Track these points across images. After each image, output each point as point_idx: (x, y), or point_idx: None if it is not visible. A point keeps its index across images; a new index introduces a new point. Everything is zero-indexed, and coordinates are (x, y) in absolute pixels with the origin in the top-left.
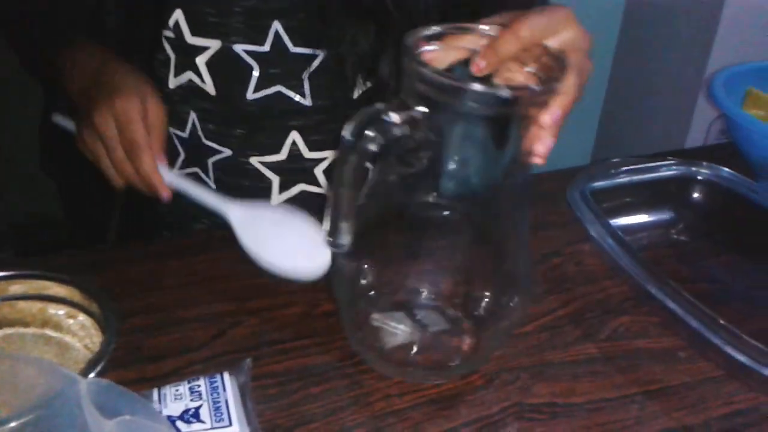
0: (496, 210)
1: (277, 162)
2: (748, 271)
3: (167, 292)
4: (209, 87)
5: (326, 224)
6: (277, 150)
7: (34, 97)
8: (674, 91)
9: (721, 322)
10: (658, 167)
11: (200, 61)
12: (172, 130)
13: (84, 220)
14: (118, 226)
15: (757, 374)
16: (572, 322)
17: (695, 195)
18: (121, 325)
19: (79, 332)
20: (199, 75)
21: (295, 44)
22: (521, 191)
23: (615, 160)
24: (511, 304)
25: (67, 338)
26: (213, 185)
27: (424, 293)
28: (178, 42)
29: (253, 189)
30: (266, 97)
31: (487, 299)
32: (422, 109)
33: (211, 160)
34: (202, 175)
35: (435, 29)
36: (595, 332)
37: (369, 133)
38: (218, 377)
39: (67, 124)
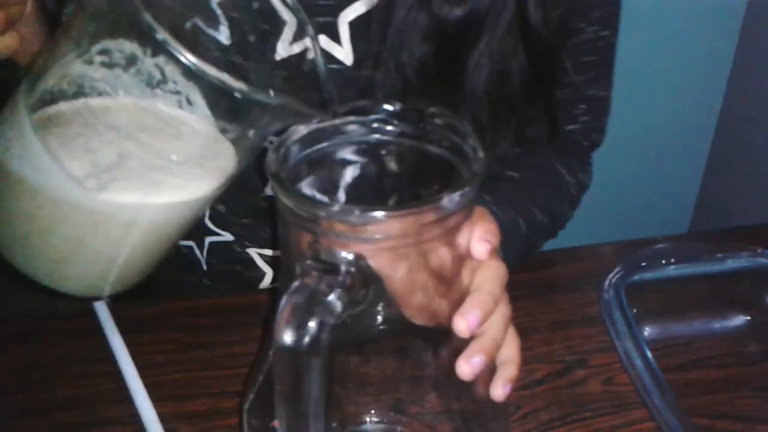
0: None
1: (277, 258)
2: None
3: (87, 383)
4: None
5: None
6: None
7: None
8: None
9: None
10: (723, 258)
11: None
12: None
13: None
14: None
15: None
16: None
17: None
18: None
19: None
20: None
21: None
22: None
23: (664, 245)
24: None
25: None
26: (204, 265)
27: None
28: None
29: (245, 277)
30: None
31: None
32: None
33: (208, 239)
34: (196, 251)
35: (301, 132)
36: None
37: (312, 325)
38: None
39: None
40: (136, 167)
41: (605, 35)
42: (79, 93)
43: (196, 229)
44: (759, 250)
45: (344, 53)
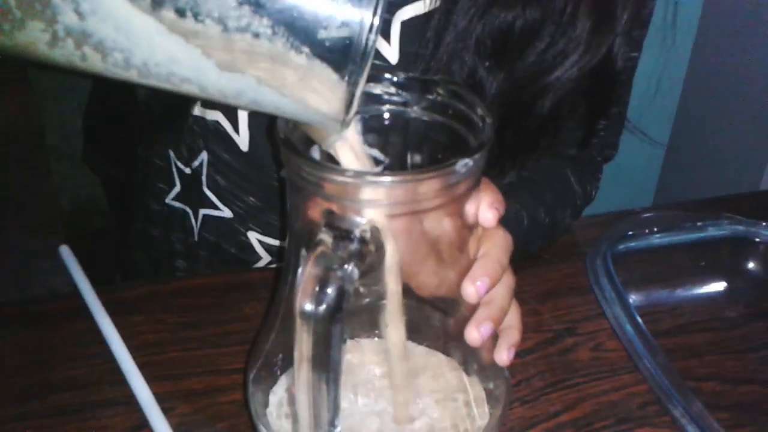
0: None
1: (278, 247)
2: None
3: (81, 364)
4: (242, 141)
5: (308, 421)
6: (284, 236)
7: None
8: (753, 117)
9: None
10: (704, 226)
11: (243, 111)
12: (173, 156)
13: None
14: None
15: None
16: None
17: (752, 264)
18: None
19: None
20: (235, 124)
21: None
22: None
23: (649, 214)
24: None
25: None
26: (195, 236)
27: None
28: None
29: (238, 260)
30: None
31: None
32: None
33: (203, 211)
34: (192, 219)
35: None
36: None
37: (330, 292)
38: None
39: (70, 261)
40: None
41: (635, 56)
42: None
43: (192, 196)
44: (738, 218)
45: (391, 52)
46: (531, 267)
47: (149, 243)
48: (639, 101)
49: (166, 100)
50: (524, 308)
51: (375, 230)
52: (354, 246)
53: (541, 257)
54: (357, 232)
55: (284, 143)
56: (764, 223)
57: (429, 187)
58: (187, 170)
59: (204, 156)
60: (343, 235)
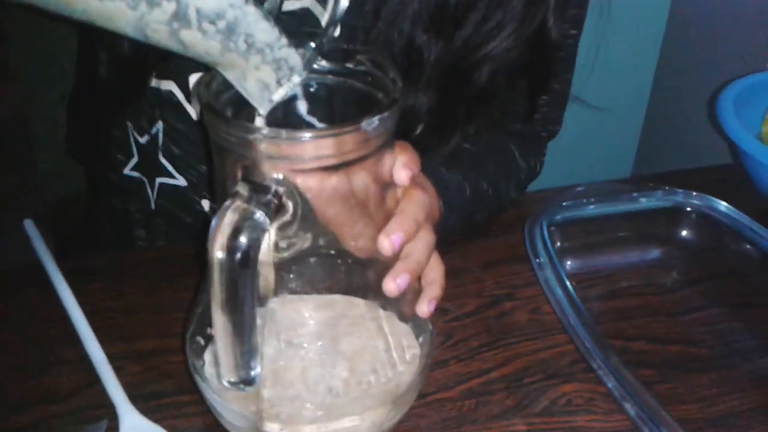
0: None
1: None
2: (738, 331)
3: (41, 327)
4: (194, 111)
5: (227, 362)
6: None
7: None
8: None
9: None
10: (638, 197)
11: (194, 78)
12: (131, 127)
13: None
14: None
15: None
16: (507, 388)
17: (685, 232)
18: None
19: None
20: (187, 94)
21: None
22: None
23: (582, 188)
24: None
25: None
26: (153, 205)
27: None
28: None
29: (195, 228)
30: None
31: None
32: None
33: (159, 180)
34: (148, 189)
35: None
36: (531, 403)
37: (243, 240)
38: None
39: (33, 233)
40: None
41: (574, 33)
42: None
43: (149, 165)
44: (673, 189)
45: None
46: (477, 240)
47: (111, 214)
48: (612, 76)
49: (127, 73)
50: (468, 276)
51: (289, 184)
52: (267, 197)
53: (488, 230)
54: (272, 186)
55: (206, 107)
56: (695, 193)
57: (338, 143)
58: (143, 140)
59: (160, 125)
60: (257, 188)
